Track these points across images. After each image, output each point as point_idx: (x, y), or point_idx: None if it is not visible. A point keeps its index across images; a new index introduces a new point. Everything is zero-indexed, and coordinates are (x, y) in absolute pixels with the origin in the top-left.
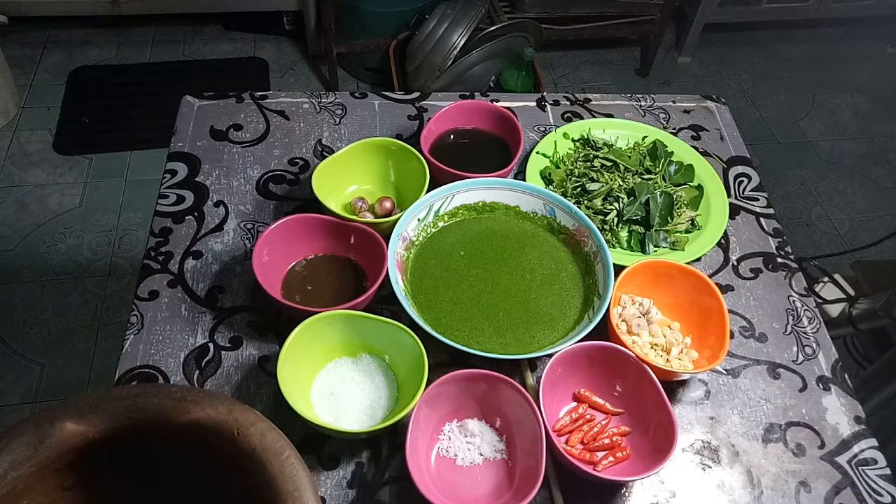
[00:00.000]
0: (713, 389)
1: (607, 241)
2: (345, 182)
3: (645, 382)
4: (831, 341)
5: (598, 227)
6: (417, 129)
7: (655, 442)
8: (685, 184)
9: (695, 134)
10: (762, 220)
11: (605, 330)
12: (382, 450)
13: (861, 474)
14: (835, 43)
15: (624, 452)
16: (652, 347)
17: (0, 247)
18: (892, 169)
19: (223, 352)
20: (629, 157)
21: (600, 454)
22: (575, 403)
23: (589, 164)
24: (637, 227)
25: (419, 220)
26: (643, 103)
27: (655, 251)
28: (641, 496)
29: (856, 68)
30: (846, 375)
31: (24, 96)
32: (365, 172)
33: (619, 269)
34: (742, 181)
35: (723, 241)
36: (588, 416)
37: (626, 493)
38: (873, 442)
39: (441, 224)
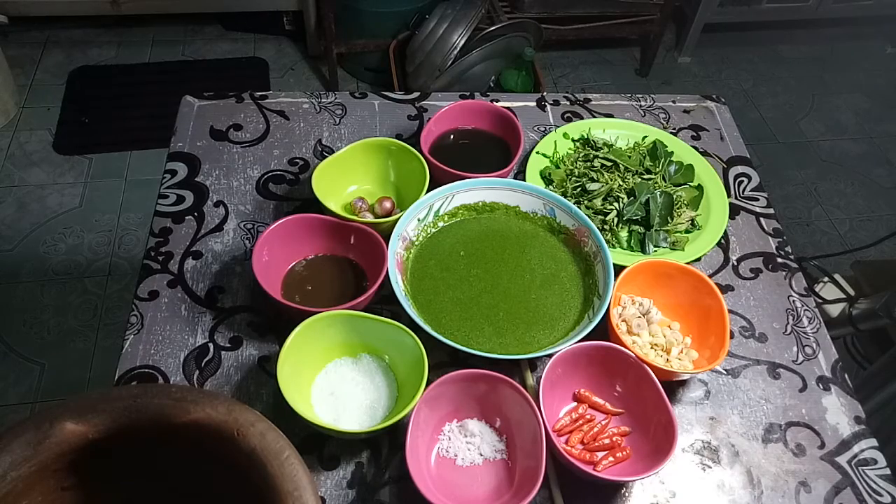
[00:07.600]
0: (713, 389)
1: (607, 241)
2: (345, 182)
3: (645, 382)
4: (831, 341)
5: (598, 227)
6: (417, 129)
7: (655, 442)
8: (685, 184)
9: (695, 134)
10: (762, 220)
11: (605, 330)
12: (382, 450)
13: (861, 474)
14: (835, 43)
15: (624, 452)
16: (652, 347)
17: (0, 247)
18: (892, 169)
19: (223, 352)
20: (629, 157)
21: (600, 454)
22: (575, 403)
23: (589, 164)
24: (637, 227)
25: (419, 220)
26: (643, 103)
27: (655, 251)
28: (641, 496)
29: (856, 68)
30: (846, 375)
31: (24, 96)
32: (365, 172)
33: (619, 269)
34: (742, 181)
35: (723, 241)
36: (588, 416)
37: (626, 493)
38: (873, 442)
39: (441, 224)
